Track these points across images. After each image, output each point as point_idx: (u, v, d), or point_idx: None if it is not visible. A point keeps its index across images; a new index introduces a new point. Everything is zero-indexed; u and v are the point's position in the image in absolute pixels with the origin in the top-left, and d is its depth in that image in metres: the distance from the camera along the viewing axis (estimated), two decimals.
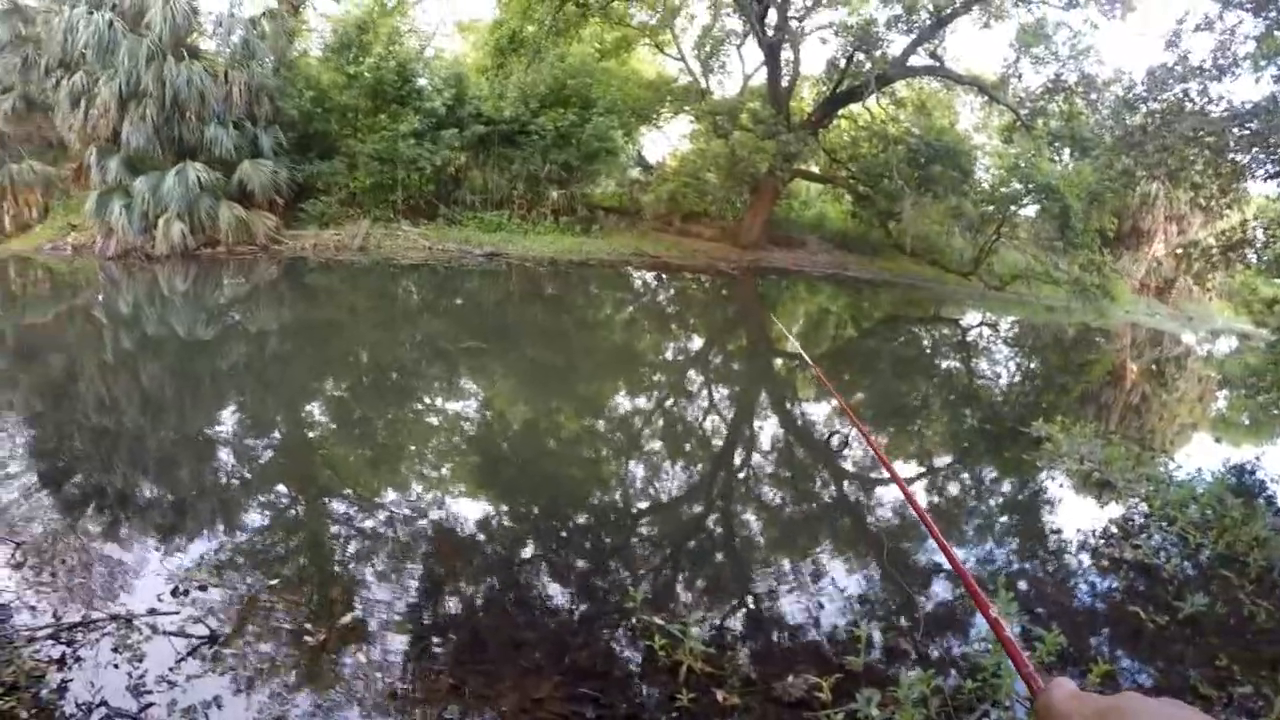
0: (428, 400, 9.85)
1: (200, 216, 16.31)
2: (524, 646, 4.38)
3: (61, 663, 3.83)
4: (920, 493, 8.28)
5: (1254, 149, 10.21)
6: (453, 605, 4.87)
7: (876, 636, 4.88)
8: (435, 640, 4.44)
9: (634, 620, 4.67)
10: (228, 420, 8.35)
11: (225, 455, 7.27)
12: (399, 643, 4.34)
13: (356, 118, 20.73)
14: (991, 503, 8.49)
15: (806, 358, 4.67)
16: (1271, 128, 9.51)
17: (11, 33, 18.45)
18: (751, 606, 5.30)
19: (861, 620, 4.98)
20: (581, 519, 6.53)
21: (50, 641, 3.98)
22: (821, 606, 5.29)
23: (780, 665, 4.48)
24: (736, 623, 5.03)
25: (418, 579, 5.08)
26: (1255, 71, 10.08)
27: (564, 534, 6.20)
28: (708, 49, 26.14)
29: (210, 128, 17.40)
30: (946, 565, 6.25)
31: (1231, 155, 10.84)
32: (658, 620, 4.56)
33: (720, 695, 4.07)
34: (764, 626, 5.02)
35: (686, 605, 4.95)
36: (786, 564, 6.08)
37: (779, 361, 14.53)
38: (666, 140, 28.64)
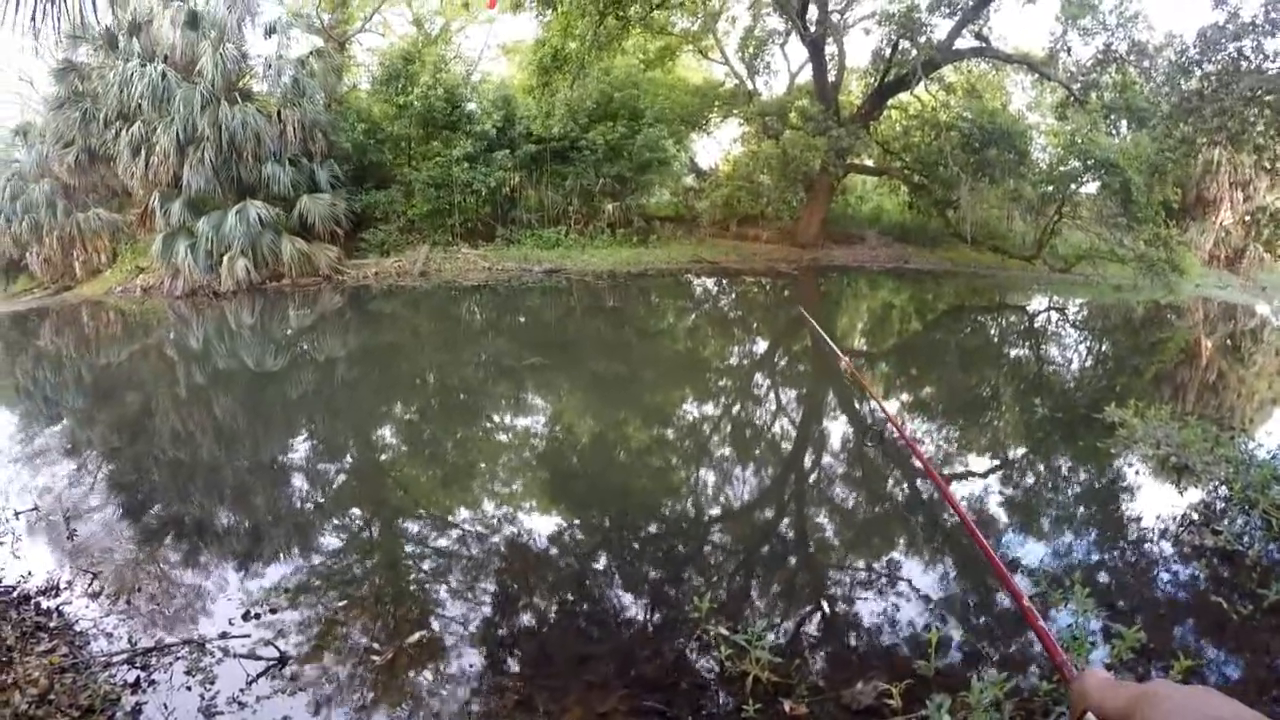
0: (494, 418, 9.86)
1: (263, 252, 16.66)
2: (590, 660, 4.31)
3: (136, 686, 3.87)
4: (992, 486, 8.07)
5: None
6: (520, 620, 4.82)
7: (948, 639, 4.71)
8: (503, 656, 4.39)
9: (700, 630, 4.57)
10: (299, 447, 8.45)
11: (297, 481, 7.35)
12: (467, 659, 4.30)
13: (409, 146, 21.05)
14: (1066, 493, 8.20)
15: (841, 355, 4.54)
16: None
17: (69, 89, 19.17)
18: (819, 613, 5.17)
19: (933, 623, 4.83)
20: (648, 529, 6.45)
21: (125, 666, 4.02)
22: (891, 610, 5.14)
23: (849, 672, 4.34)
24: (804, 630, 4.89)
25: (486, 595, 5.05)
26: None
27: (631, 545, 6.13)
28: (751, 50, 26.04)
29: (267, 166, 17.79)
30: (1021, 561, 6.06)
31: None
32: (724, 630, 4.46)
33: (788, 705, 3.98)
34: (832, 633, 4.88)
35: (753, 614, 4.85)
36: (854, 568, 5.93)
37: (844, 363, 14.30)
38: (718, 145, 28.65)
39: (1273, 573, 5.67)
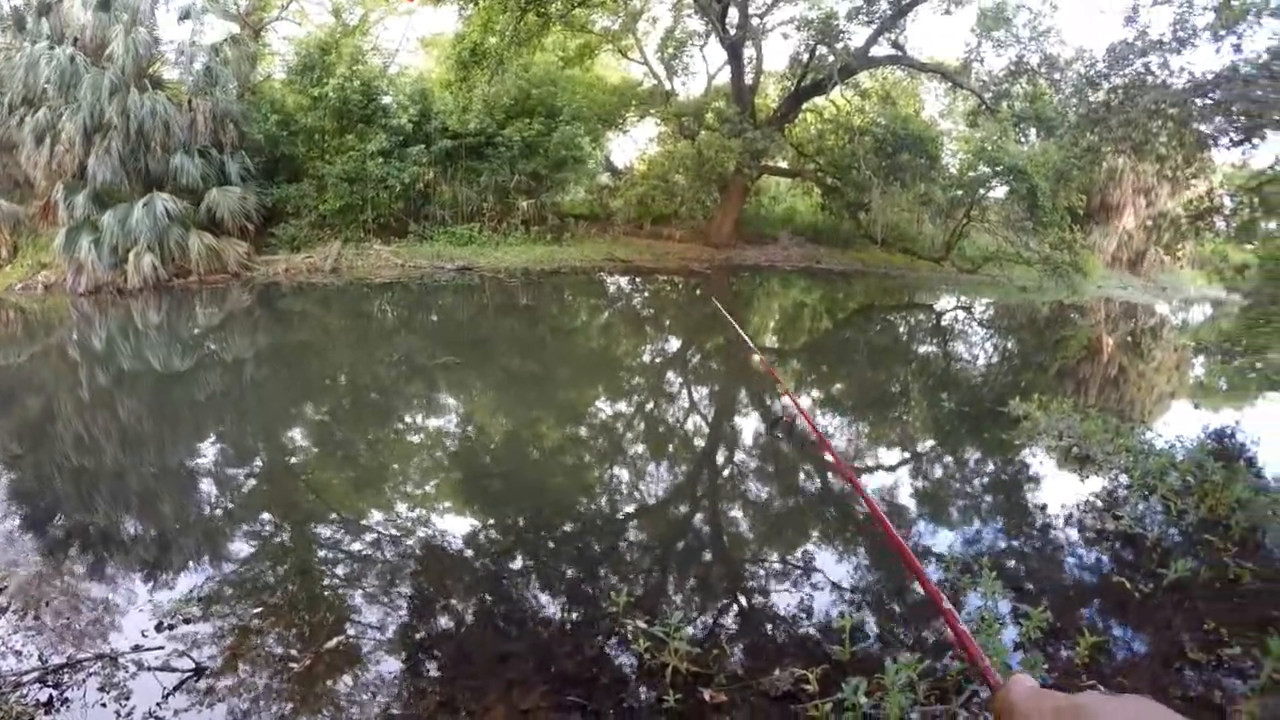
0: (407, 418, 9.93)
1: (170, 247, 16.29)
2: (510, 658, 4.45)
3: (49, 705, 3.87)
4: (902, 479, 8.43)
5: (1216, 118, 10.38)
6: (438, 621, 4.95)
7: (862, 626, 4.95)
8: (422, 658, 4.51)
9: (618, 625, 4.74)
10: (208, 451, 8.41)
11: (207, 486, 7.34)
12: (386, 663, 4.41)
13: (323, 139, 20.79)
14: (973, 483, 8.63)
15: (754, 350, 4.77)
16: (1233, 96, 9.70)
17: None
18: (735, 604, 5.41)
19: (846, 610, 5.09)
20: (564, 527, 6.63)
21: (37, 685, 4.01)
22: (805, 600, 5.39)
23: (766, 660, 4.56)
24: (721, 621, 5.12)
25: (403, 598, 5.16)
26: (1215, 42, 10.30)
27: (548, 543, 6.29)
28: (670, 51, 26.26)
29: (176, 157, 17.40)
30: (932, 549, 6.40)
31: (1195, 125, 11.00)
32: (642, 623, 4.64)
33: (708, 694, 4.14)
34: (748, 623, 5.12)
35: (670, 606, 5.02)
36: (768, 560, 6.19)
37: (756, 357, 14.66)
38: (634, 144, 28.83)
39: (1172, 553, 6.12)
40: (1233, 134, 10.48)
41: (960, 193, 24.22)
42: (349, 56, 21.98)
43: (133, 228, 15.95)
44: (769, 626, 5.06)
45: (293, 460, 8.31)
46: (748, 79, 24.51)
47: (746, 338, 4.09)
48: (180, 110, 17.84)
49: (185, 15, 19.30)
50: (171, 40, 19.47)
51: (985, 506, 7.90)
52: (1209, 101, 10.30)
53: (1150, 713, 0.75)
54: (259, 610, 4.83)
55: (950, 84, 25.27)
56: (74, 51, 17.00)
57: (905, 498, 7.85)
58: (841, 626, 4.65)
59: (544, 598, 5.30)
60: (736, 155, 21.98)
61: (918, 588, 5.60)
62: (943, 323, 22.02)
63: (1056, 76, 21.54)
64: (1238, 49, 10.12)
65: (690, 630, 4.63)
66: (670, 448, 9.31)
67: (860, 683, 4.01)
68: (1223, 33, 10.12)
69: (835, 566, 5.98)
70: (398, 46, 28.97)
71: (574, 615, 5.03)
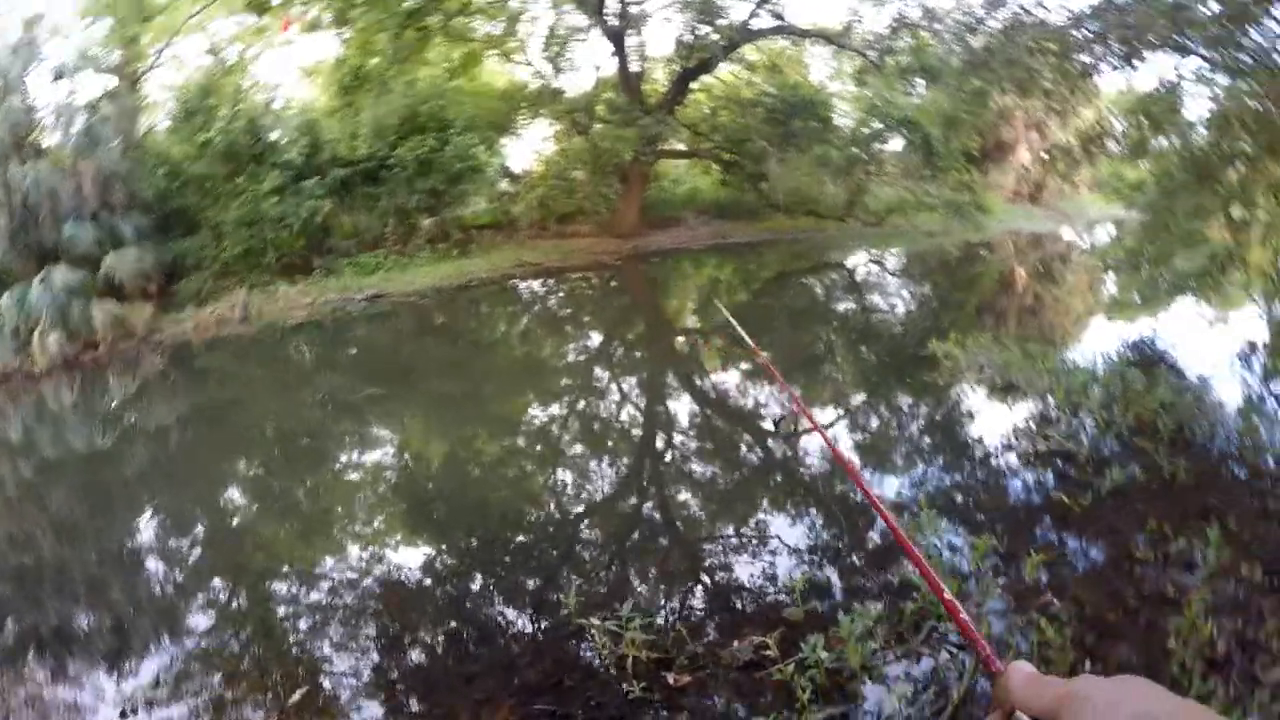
0: (343, 458, 10.03)
1: (74, 321, 15.86)
2: (475, 678, 4.60)
3: None
4: (838, 434, 8.73)
5: (1096, 47, 10.74)
6: (401, 654, 5.11)
7: (812, 582, 5.19)
8: (388, 693, 4.66)
9: (573, 626, 4.88)
10: (148, 528, 8.44)
11: (153, 564, 7.42)
12: (354, 703, 4.56)
13: (215, 186, 20.31)
14: (905, 428, 9.02)
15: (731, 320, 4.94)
16: (1109, 25, 10.07)
17: None
18: (688, 585, 5.64)
19: (793, 571, 5.32)
20: (507, 539, 6.85)
21: None
22: (754, 569, 5.65)
23: (724, 634, 4.77)
24: (676, 604, 5.33)
25: (362, 636, 5.32)
26: None
27: (499, 558, 6.51)
28: (555, 49, 26.19)
29: (67, 226, 16.95)
30: (860, 498, 6.69)
31: (1076, 57, 11.36)
32: (595, 620, 4.79)
33: (670, 677, 4.30)
34: (703, 601, 5.35)
35: (621, 599, 5.13)
36: (714, 538, 6.47)
37: (679, 340, 14.92)
38: (529, 147, 28.63)
39: (1106, 463, 6.46)
40: (1113, 60, 10.86)
41: (856, 150, 24.65)
42: (231, 96, 21.55)
43: (32, 307, 15.52)
44: (723, 601, 5.29)
45: (235, 521, 8.38)
46: (634, 67, 24.63)
47: (745, 335, 4.21)
48: (65, 176, 17.38)
49: (59, 75, 18.73)
50: (48, 104, 18.90)
51: (919, 447, 8.29)
52: (1087, 33, 10.68)
53: (1143, 692, 0.75)
54: (221, 678, 4.93)
55: (834, 47, 25.63)
56: None
57: (844, 451, 8.13)
58: (793, 587, 4.86)
59: (500, 612, 5.49)
60: (631, 143, 22.13)
61: (872, 537, 5.89)
62: (856, 278, 22.60)
63: (937, 26, 21.94)
64: None
65: (647, 618, 4.76)
66: (605, 441, 9.59)
67: (818, 639, 4.20)
68: None
69: (779, 532, 6.26)
70: (280, 80, 28.36)
71: (531, 625, 5.22)
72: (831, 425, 9.19)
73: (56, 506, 9.28)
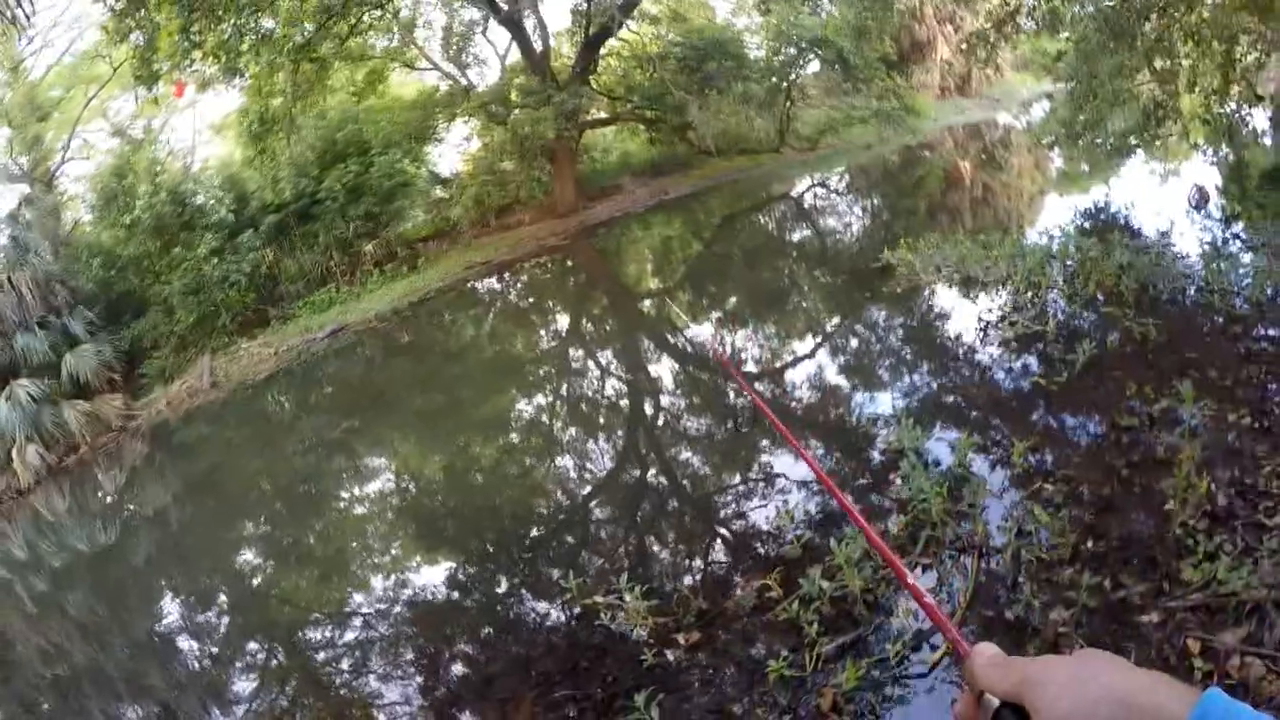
0: (343, 495, 10.09)
1: (48, 429, 15.82)
2: (494, 680, 4.72)
3: None
4: (819, 359, 8.86)
5: None
6: (418, 675, 5.20)
7: (800, 516, 5.26)
8: (413, 710, 4.76)
9: (579, 609, 4.97)
10: (170, 610, 8.48)
11: (184, 643, 7.45)
12: None
13: (153, 263, 20.18)
14: (871, 343, 9.11)
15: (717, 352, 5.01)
16: None
17: None
18: (677, 546, 5.74)
19: (780, 511, 5.38)
20: (502, 537, 6.94)
21: None
22: (743, 520, 5.74)
23: (725, 585, 4.87)
24: (670, 567, 5.44)
25: (385, 658, 5.43)
26: None
27: (492, 558, 6.62)
28: (456, 47, 26.03)
29: (18, 339, 16.85)
30: (866, 412, 6.82)
31: None
32: (598, 598, 4.88)
33: (681, 637, 4.38)
34: (695, 559, 5.45)
35: (616, 573, 5.18)
36: (698, 495, 6.57)
37: (645, 304, 15.00)
38: (454, 149, 28.47)
39: (1076, 337, 6.48)
40: None
41: (775, 80, 24.70)
42: (146, 172, 21.32)
43: (3, 425, 15.45)
44: (718, 555, 5.39)
45: (254, 581, 8.43)
46: (537, 46, 24.52)
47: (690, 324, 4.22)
48: (2, 291, 17.25)
49: None
50: None
51: (891, 358, 8.38)
52: None
53: (1104, 667, 0.74)
54: None
55: None
56: None
57: (820, 379, 8.26)
58: (780, 526, 4.94)
59: (508, 612, 5.59)
60: (551, 122, 22.03)
61: (857, 463, 5.99)
62: (804, 205, 22.66)
63: None
64: None
65: (646, 586, 4.81)
66: (586, 423, 9.69)
67: (817, 571, 4.27)
68: None
69: (760, 479, 6.34)
70: (191, 143, 28.06)
71: (537, 616, 5.32)
72: (809, 356, 9.31)
73: (77, 611, 9.32)
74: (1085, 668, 0.75)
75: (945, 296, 9.43)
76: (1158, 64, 10.70)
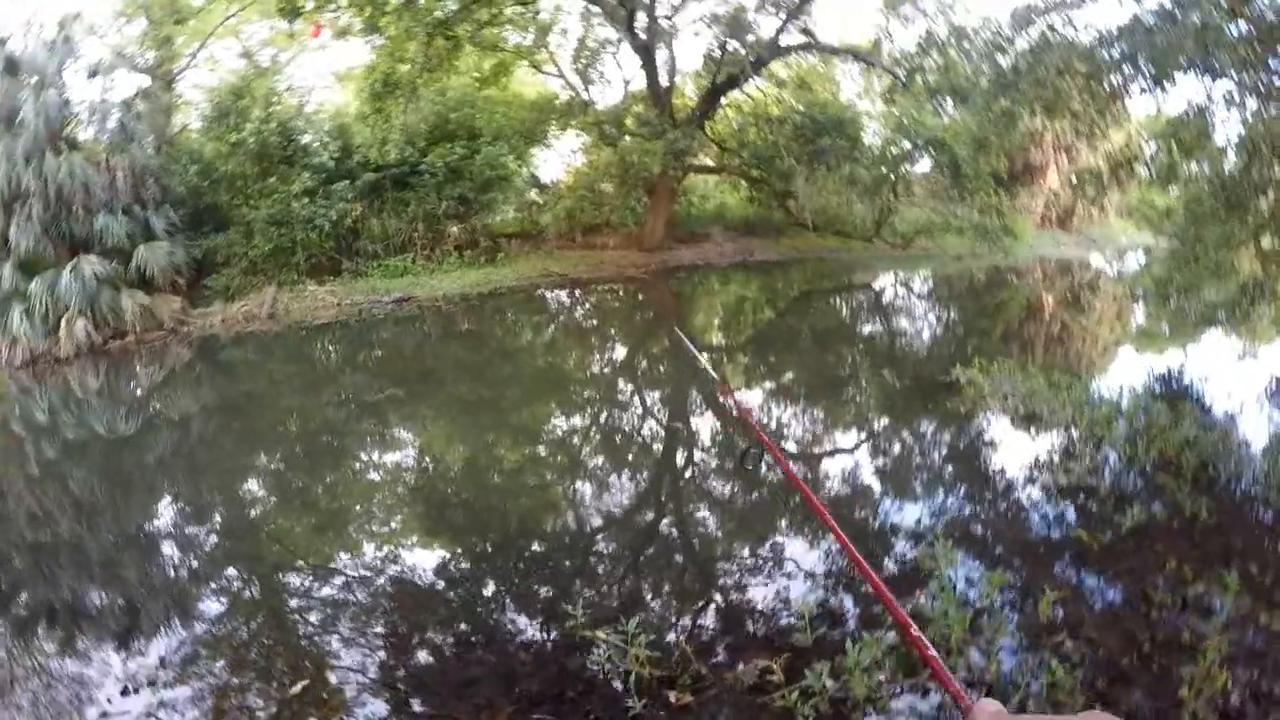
0: (363, 456, 10.01)
1: (103, 310, 16.01)
2: (475, 683, 4.50)
3: None
4: (851, 462, 8.66)
5: (1125, 68, 10.64)
6: (403, 654, 5.04)
7: (822, 612, 5.03)
8: (385, 693, 4.60)
9: (579, 638, 4.80)
10: (166, 513, 8.43)
11: (168, 548, 7.37)
12: (353, 701, 4.50)
13: (246, 185, 20.51)
14: (922, 456, 8.88)
15: (710, 369, 4.86)
16: (1138, 45, 9.98)
17: None
18: (692, 604, 5.55)
19: (806, 596, 5.20)
20: (516, 545, 6.78)
21: None
22: (763, 592, 5.53)
23: (730, 655, 4.65)
24: (680, 622, 5.25)
25: (363, 634, 5.23)
26: None
27: (501, 563, 6.44)
28: (585, 61, 26.35)
29: (99, 218, 17.12)
30: (892, 522, 6.62)
31: (1105, 78, 11.26)
32: (600, 634, 4.71)
33: (673, 696, 4.20)
34: (706, 621, 5.26)
35: (630, 614, 5.03)
36: (721, 558, 6.38)
37: (703, 358, 14.82)
38: (558, 157, 28.78)
39: (1127, 500, 6.28)
40: (1143, 82, 10.75)
41: (884, 170, 24.66)
42: (263, 99, 21.75)
43: (62, 294, 15.67)
44: (732, 622, 5.19)
45: (252, 512, 8.36)
46: (663, 80, 24.73)
47: (710, 370, 4.16)
48: (99, 170, 17.57)
49: (94, 73, 18.98)
50: (83, 100, 19.12)
51: (938, 475, 8.13)
52: (1116, 53, 10.58)
53: None
54: (221, 663, 4.87)
55: (863, 64, 25.66)
56: None
57: (865, 476, 8.09)
58: (803, 612, 4.79)
59: (505, 619, 5.41)
60: (660, 157, 22.17)
61: (888, 566, 5.80)
62: (882, 300, 22.50)
63: (965, 46, 21.92)
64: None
65: (652, 635, 4.67)
66: (624, 456, 9.51)
67: (825, 667, 4.09)
68: None
69: (794, 556, 6.16)
70: (312, 84, 28.63)
71: (537, 634, 5.13)
72: (855, 449, 9.15)
73: (78, 486, 9.31)
74: None
75: (1006, 426, 9.20)
76: (1266, 242, 10.46)
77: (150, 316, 16.66)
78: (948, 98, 23.78)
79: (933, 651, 1.13)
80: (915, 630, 1.22)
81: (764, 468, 8.50)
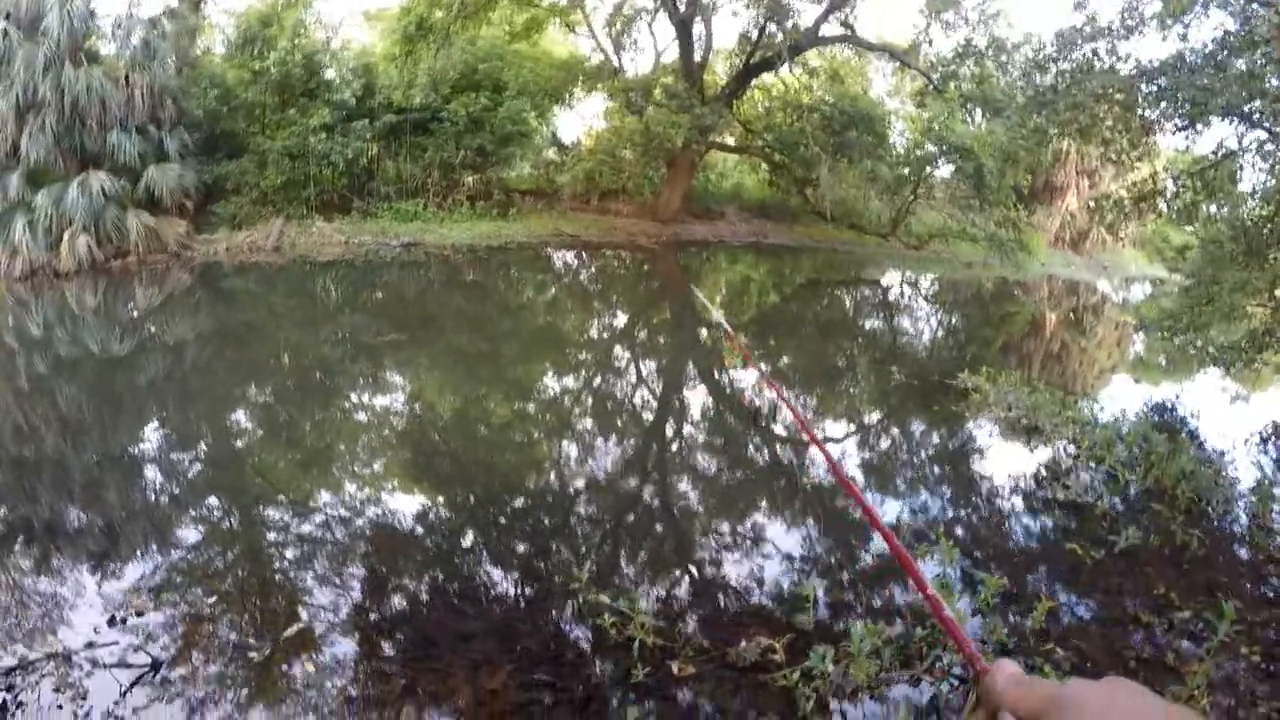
0: (354, 397, 9.91)
1: (107, 227, 15.85)
2: (473, 638, 4.46)
3: (2, 710, 3.73)
4: (853, 450, 8.58)
5: (1162, 104, 10.54)
6: (398, 603, 4.97)
7: (826, 594, 5.06)
8: (383, 642, 4.52)
9: (581, 600, 4.75)
10: (152, 437, 8.35)
11: (152, 473, 7.29)
12: (347, 648, 4.41)
13: (264, 114, 20.31)
14: (925, 455, 8.86)
15: (728, 328, 4.71)
16: (1178, 83, 9.86)
17: None
18: (697, 575, 5.50)
19: (807, 578, 5.19)
20: (519, 503, 6.71)
21: None
22: (766, 569, 5.50)
23: (732, 631, 4.62)
24: (684, 593, 5.21)
25: (361, 580, 5.17)
26: (1161, 30, 10.52)
27: (503, 520, 6.37)
28: (619, 27, 26.00)
29: (113, 134, 16.92)
30: (885, 517, 6.52)
31: (1140, 111, 11.16)
32: (605, 598, 4.64)
33: (675, 666, 4.19)
34: (712, 594, 5.20)
35: (633, 580, 5.10)
36: (727, 531, 6.32)
37: (704, 332, 14.76)
38: (581, 120, 28.50)
39: (1121, 522, 6.31)
40: (1177, 120, 10.66)
41: (907, 170, 24.45)
42: (291, 29, 21.45)
43: (67, 208, 15.49)
44: (733, 597, 5.14)
45: (239, 444, 8.26)
46: (697, 56, 24.43)
47: (724, 323, 4.05)
48: (117, 86, 17.31)
49: None
50: (108, 14, 18.83)
51: (937, 476, 8.11)
52: (1155, 88, 10.47)
53: (1132, 697, 0.74)
54: (213, 599, 4.78)
55: (898, 64, 25.37)
56: (6, 26, 16.41)
57: (855, 468, 8.02)
58: (806, 595, 4.72)
59: (502, 575, 5.35)
60: (684, 131, 21.89)
61: (881, 554, 5.73)
62: (889, 297, 22.35)
63: (1004, 59, 21.70)
64: (1184, 38, 10.34)
65: (653, 604, 4.69)
66: (619, 423, 9.41)
67: (827, 651, 4.08)
68: (1170, 21, 10.32)
69: (794, 537, 6.13)
70: (341, 20, 28.26)
71: (534, 592, 5.08)
72: (845, 438, 9.06)
73: (65, 404, 9.20)
74: (1116, 695, 0.75)
75: (1007, 436, 9.14)
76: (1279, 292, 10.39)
77: (154, 238, 16.50)
78: (979, 107, 23.62)
79: (948, 612, 1.09)
80: (931, 589, 1.16)
81: (780, 427, 8.48)
